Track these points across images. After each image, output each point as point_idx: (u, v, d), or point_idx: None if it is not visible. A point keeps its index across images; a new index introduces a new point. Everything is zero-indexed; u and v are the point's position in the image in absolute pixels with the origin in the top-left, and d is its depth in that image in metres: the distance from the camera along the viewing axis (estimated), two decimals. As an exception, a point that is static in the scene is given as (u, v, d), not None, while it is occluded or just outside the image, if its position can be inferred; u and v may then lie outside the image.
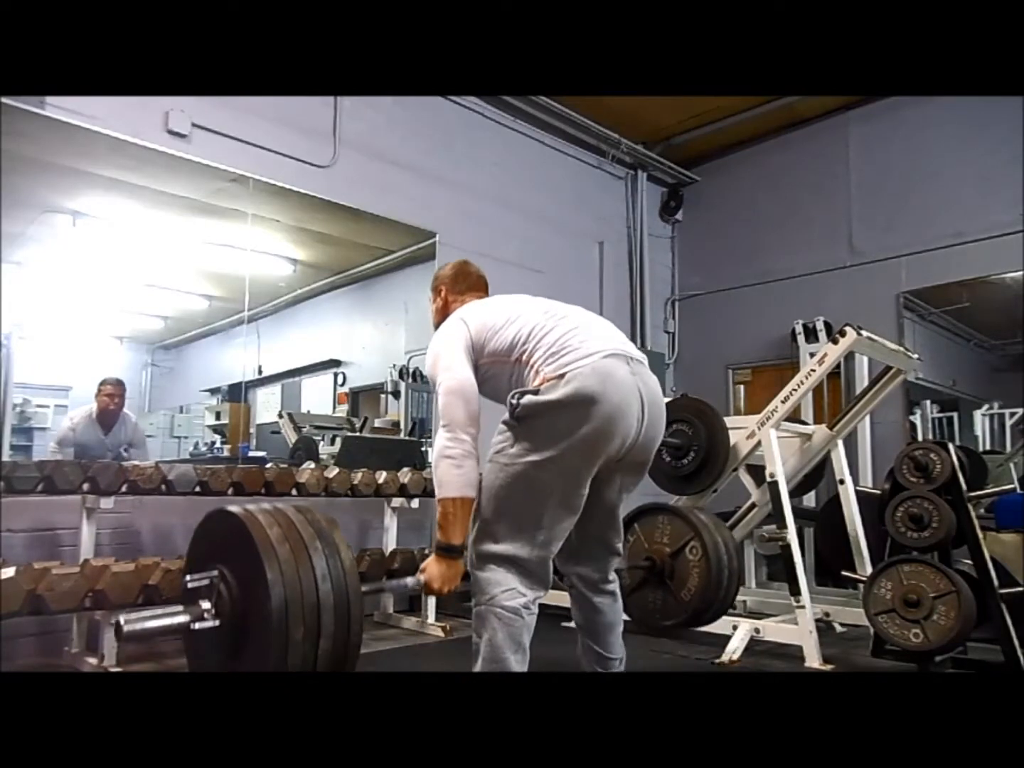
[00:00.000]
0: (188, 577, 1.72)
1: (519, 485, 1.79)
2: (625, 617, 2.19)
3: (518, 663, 1.78)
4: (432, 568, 1.86)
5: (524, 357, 1.88)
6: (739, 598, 4.06)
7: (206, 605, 1.64)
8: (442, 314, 2.22)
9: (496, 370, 1.94)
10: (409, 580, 1.92)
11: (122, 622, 1.58)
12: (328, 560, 1.63)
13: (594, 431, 1.75)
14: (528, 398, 1.78)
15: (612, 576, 2.09)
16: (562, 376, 1.77)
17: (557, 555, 1.92)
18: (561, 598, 3.84)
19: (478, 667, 1.79)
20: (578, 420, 1.74)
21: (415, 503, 4.00)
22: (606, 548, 2.06)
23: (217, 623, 1.63)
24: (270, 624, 1.53)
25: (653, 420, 1.90)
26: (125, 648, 2.89)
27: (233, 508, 1.71)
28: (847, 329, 3.34)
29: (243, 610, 1.63)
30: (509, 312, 1.96)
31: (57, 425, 3.97)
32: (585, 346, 1.82)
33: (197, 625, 1.64)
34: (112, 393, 3.94)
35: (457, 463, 1.80)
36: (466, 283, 2.25)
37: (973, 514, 2.93)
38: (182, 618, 1.65)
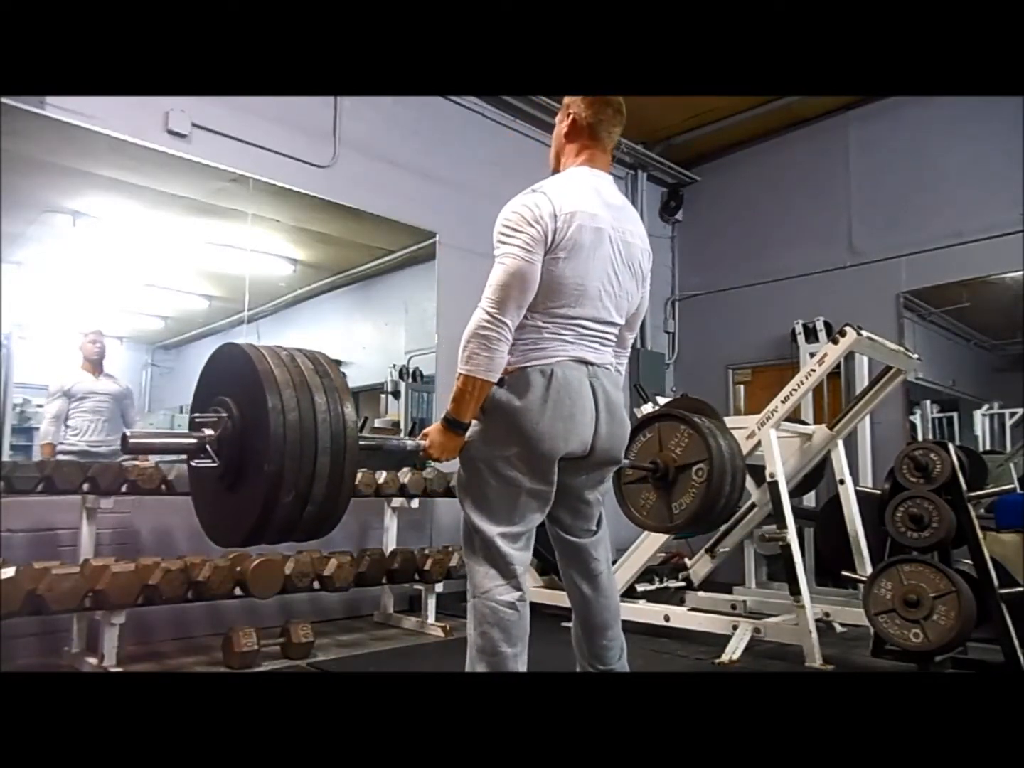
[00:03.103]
0: (196, 414, 1.70)
1: (486, 481, 1.83)
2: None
3: (514, 656, 1.78)
4: (434, 435, 1.84)
5: (521, 321, 1.83)
6: (739, 598, 4.08)
7: (209, 432, 1.63)
8: (559, 143, 2.02)
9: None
10: (409, 442, 1.93)
11: (128, 433, 1.58)
12: (332, 430, 1.60)
13: (538, 433, 1.78)
14: (492, 390, 1.80)
15: (599, 555, 2.05)
16: (522, 370, 1.80)
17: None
18: (561, 598, 3.85)
19: (472, 658, 1.80)
20: (522, 419, 1.78)
21: (415, 503, 4.00)
22: (575, 535, 2.05)
23: (215, 464, 1.63)
24: (261, 483, 1.53)
25: (611, 425, 1.91)
26: (125, 648, 2.90)
27: (247, 347, 1.68)
28: (847, 329, 3.34)
29: (241, 454, 1.62)
30: (584, 249, 1.83)
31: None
32: (561, 350, 1.84)
33: (196, 462, 1.65)
34: (95, 340, 3.99)
35: (491, 346, 1.74)
36: (601, 116, 1.95)
37: (973, 514, 2.93)
38: (185, 441, 1.66)
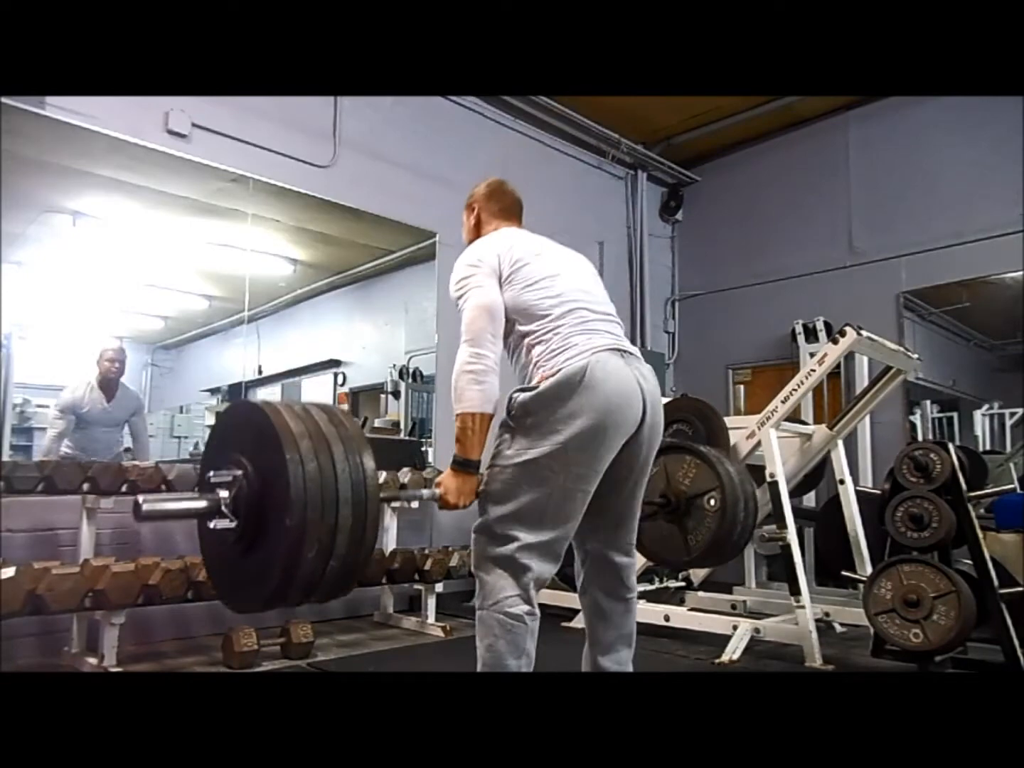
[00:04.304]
0: (211, 472, 1.64)
1: (518, 486, 1.78)
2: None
3: (518, 668, 1.77)
4: (448, 481, 1.84)
5: (528, 342, 1.87)
6: (739, 598, 4.08)
7: (224, 494, 1.58)
8: (474, 233, 2.18)
9: (508, 338, 1.94)
10: (425, 492, 1.91)
11: (140, 500, 1.52)
12: (352, 479, 1.57)
13: (588, 426, 1.75)
14: (523, 395, 1.79)
15: (628, 581, 2.03)
16: (557, 373, 1.79)
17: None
18: (561, 598, 3.86)
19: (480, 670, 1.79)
20: (569, 415, 1.75)
21: (415, 503, 3.99)
22: (619, 547, 2.02)
23: (233, 524, 1.57)
24: (282, 539, 1.48)
25: (655, 411, 1.91)
26: (125, 648, 2.90)
27: (259, 402, 1.66)
28: (847, 329, 3.34)
29: (259, 511, 1.57)
30: (542, 275, 1.93)
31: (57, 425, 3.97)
32: (584, 341, 1.84)
33: (213, 524, 1.58)
34: (113, 359, 3.90)
35: (478, 379, 1.79)
36: (500, 204, 2.19)
37: (973, 514, 2.93)
38: (199, 504, 1.60)
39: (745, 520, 2.43)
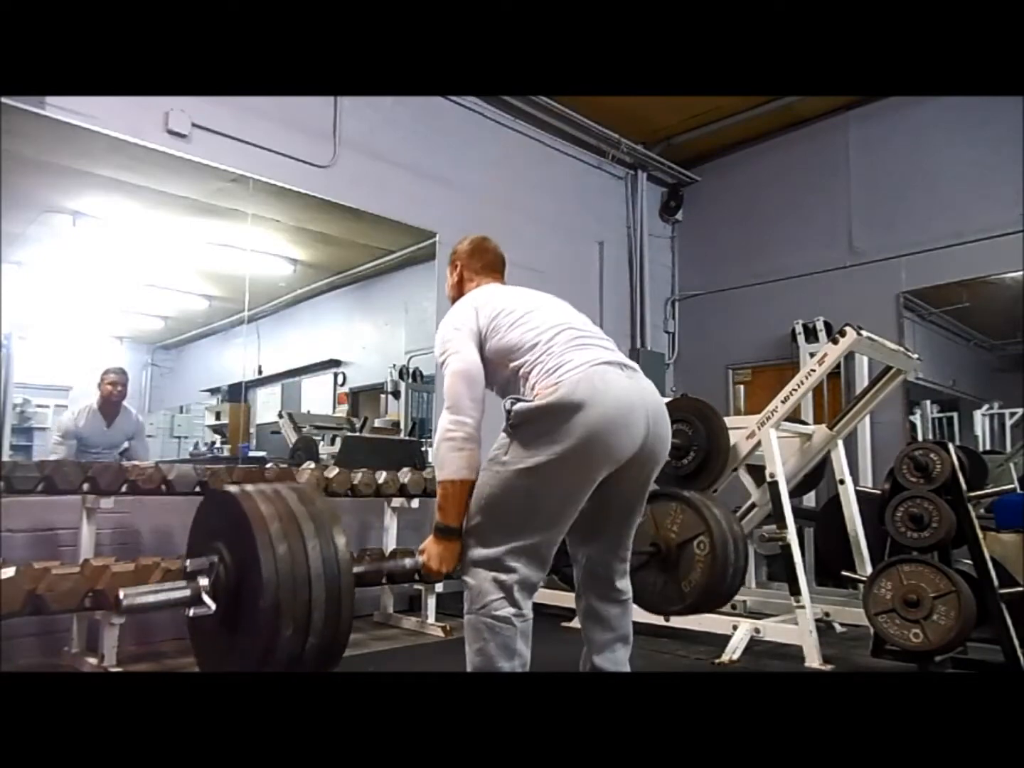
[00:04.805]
0: (188, 561, 1.73)
1: (510, 491, 1.79)
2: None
3: (511, 670, 1.77)
4: (431, 548, 1.87)
5: (523, 371, 1.88)
6: (739, 598, 4.07)
7: (204, 582, 1.65)
8: (457, 290, 2.22)
9: (497, 373, 1.94)
10: (407, 561, 1.94)
11: (121, 595, 1.59)
12: (324, 555, 1.63)
13: (588, 438, 1.74)
14: (521, 404, 1.79)
15: (622, 585, 2.05)
16: (555, 386, 1.78)
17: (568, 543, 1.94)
18: (561, 598, 3.86)
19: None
20: (570, 427, 1.74)
21: (415, 503, 3.99)
22: (615, 554, 2.04)
23: (213, 608, 1.64)
24: (259, 620, 1.54)
25: (659, 424, 1.90)
26: (125, 648, 2.90)
27: (232, 489, 1.73)
28: (847, 329, 3.34)
29: (237, 594, 1.64)
30: (521, 313, 1.95)
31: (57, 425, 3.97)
32: (580, 356, 1.83)
33: (192, 612, 1.66)
34: (115, 382, 3.91)
35: (458, 445, 1.81)
36: (482, 261, 2.24)
37: (973, 514, 2.93)
38: (180, 593, 1.66)
39: (736, 562, 2.47)
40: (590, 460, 1.78)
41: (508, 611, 1.77)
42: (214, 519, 1.78)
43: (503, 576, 1.78)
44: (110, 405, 3.90)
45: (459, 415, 1.84)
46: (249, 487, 1.73)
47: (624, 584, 2.05)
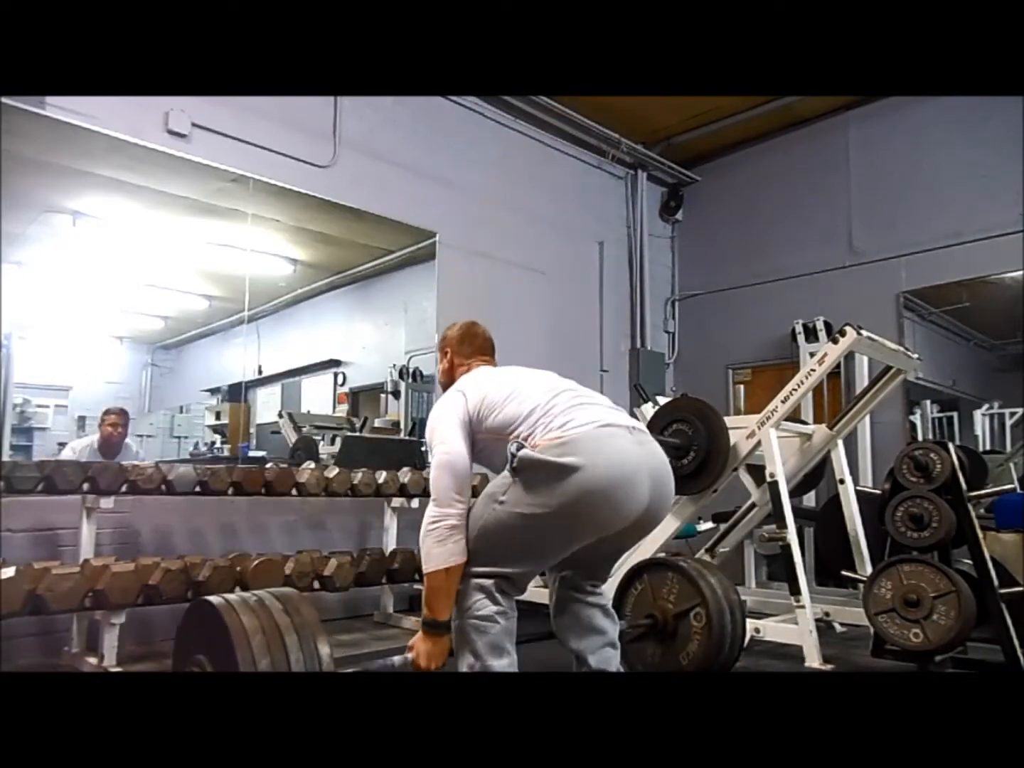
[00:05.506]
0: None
1: (503, 529, 1.82)
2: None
3: (503, 668, 1.80)
4: (419, 645, 1.88)
5: (523, 436, 1.88)
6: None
7: None
8: (448, 376, 2.23)
9: (493, 446, 1.95)
10: (396, 659, 1.94)
11: None
12: (306, 666, 1.64)
13: (585, 501, 1.76)
14: (525, 452, 1.80)
15: (599, 588, 2.12)
16: (559, 440, 1.80)
17: None
18: (561, 598, 3.85)
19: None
20: (568, 486, 1.75)
21: (415, 503, 3.99)
22: (596, 576, 2.13)
23: None
24: None
25: (661, 488, 1.91)
26: (125, 648, 2.89)
27: (215, 600, 1.72)
28: (847, 329, 3.34)
29: None
30: (511, 389, 1.97)
31: (57, 425, 3.97)
32: (583, 415, 1.86)
33: None
34: (116, 423, 3.92)
35: (441, 536, 1.83)
36: (472, 346, 2.25)
37: (973, 514, 2.93)
38: None
39: (734, 631, 2.47)
40: (584, 521, 1.82)
41: (491, 609, 1.81)
42: (197, 631, 1.78)
43: (484, 581, 1.83)
44: (111, 444, 3.90)
45: (442, 507, 1.86)
46: (233, 597, 1.73)
47: (600, 588, 2.12)
